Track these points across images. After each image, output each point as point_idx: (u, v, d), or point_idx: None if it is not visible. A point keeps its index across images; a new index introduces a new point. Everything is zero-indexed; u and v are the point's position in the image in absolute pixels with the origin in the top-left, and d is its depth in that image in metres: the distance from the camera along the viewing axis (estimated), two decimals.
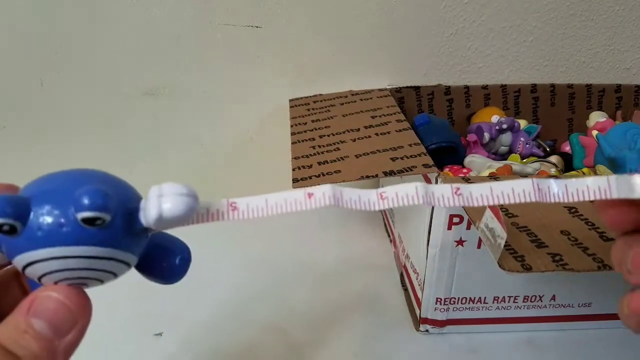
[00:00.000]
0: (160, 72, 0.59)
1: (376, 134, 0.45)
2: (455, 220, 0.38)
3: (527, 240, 0.30)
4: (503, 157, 0.54)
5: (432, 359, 0.41)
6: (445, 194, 0.21)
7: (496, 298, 0.42)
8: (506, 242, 0.27)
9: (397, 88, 0.59)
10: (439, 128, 0.54)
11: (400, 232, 0.52)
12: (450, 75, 0.62)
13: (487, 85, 0.60)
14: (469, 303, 0.42)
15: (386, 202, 0.20)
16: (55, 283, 0.19)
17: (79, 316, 0.20)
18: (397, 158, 0.40)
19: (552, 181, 0.21)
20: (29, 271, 0.19)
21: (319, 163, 0.41)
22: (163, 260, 0.22)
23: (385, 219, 0.60)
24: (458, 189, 0.21)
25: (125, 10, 0.55)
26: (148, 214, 0.19)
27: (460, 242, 0.39)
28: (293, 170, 0.41)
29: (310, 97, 0.58)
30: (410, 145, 0.42)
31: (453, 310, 0.42)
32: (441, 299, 0.41)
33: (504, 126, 0.53)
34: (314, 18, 0.57)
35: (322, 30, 0.58)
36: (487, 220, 0.29)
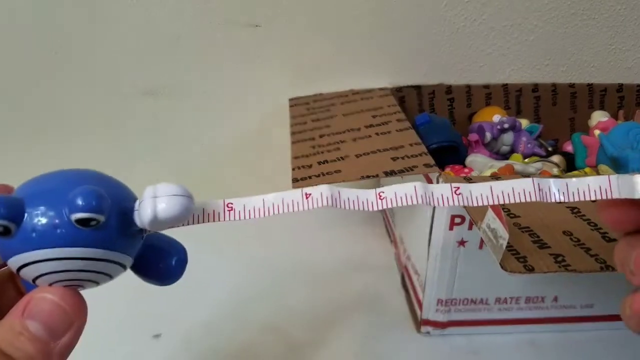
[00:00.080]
0: (160, 72, 0.58)
1: (377, 134, 0.45)
2: (457, 220, 0.37)
3: (529, 241, 0.29)
4: (505, 156, 0.54)
5: None
6: (445, 193, 0.21)
7: (498, 299, 0.41)
8: (508, 242, 0.27)
9: (397, 87, 0.59)
10: (440, 127, 0.53)
11: (401, 232, 0.51)
12: (452, 74, 0.61)
13: (488, 85, 0.60)
14: (470, 304, 0.41)
15: (385, 202, 0.20)
16: (50, 284, 0.19)
17: (75, 318, 0.19)
18: (398, 158, 0.40)
19: (552, 181, 0.21)
20: (24, 273, 0.19)
21: (319, 163, 0.41)
22: (159, 261, 0.22)
23: (386, 220, 0.60)
24: (458, 188, 0.21)
25: (124, 10, 0.55)
26: (143, 215, 0.19)
27: (461, 243, 0.38)
28: (293, 170, 0.41)
29: (311, 96, 0.58)
30: (411, 144, 0.42)
31: (454, 311, 0.42)
32: (442, 300, 0.41)
33: (506, 126, 0.52)
34: (314, 17, 0.57)
35: (323, 29, 0.58)
36: (489, 221, 0.29)
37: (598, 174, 0.47)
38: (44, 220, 0.18)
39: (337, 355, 0.41)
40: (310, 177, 0.39)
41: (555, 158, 0.52)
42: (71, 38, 0.56)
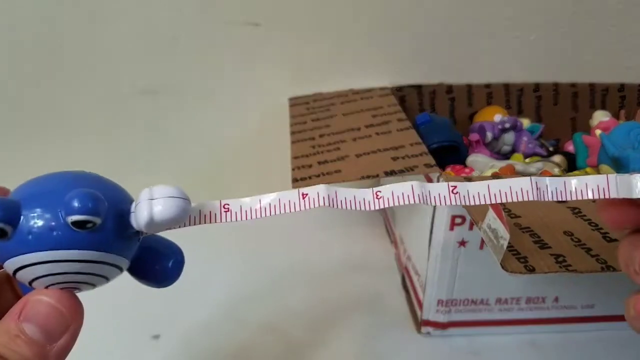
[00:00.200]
0: (160, 72, 0.58)
1: (377, 133, 0.45)
2: (458, 220, 0.37)
3: (530, 241, 0.29)
4: (506, 156, 0.53)
5: None
6: (442, 192, 0.20)
7: (498, 299, 0.41)
8: (509, 243, 0.27)
9: (398, 87, 0.59)
10: (440, 127, 0.53)
11: (402, 233, 0.51)
12: (452, 73, 0.61)
13: (489, 84, 0.60)
14: (471, 305, 0.41)
15: (382, 202, 0.20)
16: (47, 287, 0.19)
17: (71, 320, 0.19)
18: (399, 158, 0.40)
19: (550, 179, 0.21)
20: (20, 275, 0.19)
21: (319, 163, 0.41)
22: (156, 263, 0.21)
23: (386, 220, 0.60)
24: (455, 187, 0.21)
25: (123, 10, 0.55)
26: (139, 217, 0.19)
27: (462, 243, 0.38)
28: (293, 170, 0.41)
29: (310, 96, 0.58)
30: (411, 144, 0.42)
31: (455, 312, 0.42)
32: (443, 301, 0.41)
33: (507, 125, 0.52)
34: (314, 17, 0.57)
35: (323, 29, 0.58)
36: (489, 221, 0.29)
37: (599, 174, 0.47)
38: (40, 223, 0.18)
39: (337, 356, 0.41)
40: (310, 177, 0.39)
41: (557, 158, 0.52)
42: (71, 38, 0.56)
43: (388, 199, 0.20)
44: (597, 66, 0.62)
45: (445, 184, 0.21)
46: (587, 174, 0.47)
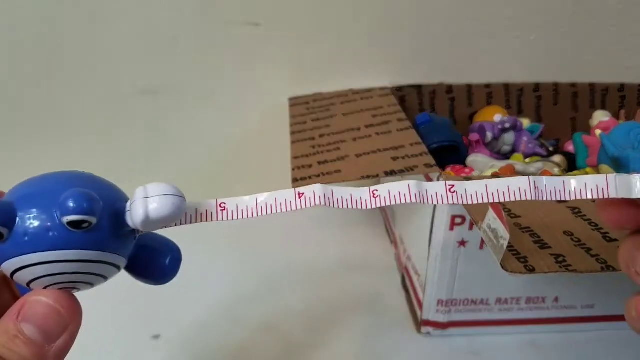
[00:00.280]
0: (160, 72, 0.58)
1: (377, 133, 0.45)
2: (458, 220, 0.37)
3: (530, 241, 0.29)
4: (506, 156, 0.53)
5: None
6: (439, 191, 0.20)
7: (498, 299, 0.41)
8: (509, 243, 0.27)
9: (398, 87, 0.59)
10: (440, 127, 0.53)
11: (402, 233, 0.51)
12: (452, 73, 0.61)
13: (489, 84, 0.60)
14: (471, 305, 0.41)
15: (379, 201, 0.20)
16: (45, 287, 0.19)
17: (70, 320, 0.19)
18: (399, 158, 0.39)
19: (549, 179, 0.20)
20: (18, 277, 0.19)
21: (319, 163, 0.41)
22: (153, 261, 0.21)
23: (386, 220, 0.60)
24: (452, 186, 0.20)
25: (123, 10, 0.55)
26: (135, 215, 0.18)
27: (462, 243, 0.38)
28: (293, 170, 0.41)
29: (310, 96, 0.58)
30: (411, 144, 0.42)
31: (455, 312, 0.42)
32: (443, 301, 0.41)
33: (507, 125, 0.52)
34: (314, 16, 0.57)
35: (323, 28, 0.58)
36: (489, 221, 0.29)
37: (599, 174, 0.47)
38: (36, 224, 0.18)
39: (336, 356, 0.41)
40: (310, 177, 0.39)
41: (557, 158, 0.52)
42: (71, 38, 0.56)
43: (385, 198, 0.20)
44: (597, 66, 0.62)
45: (443, 182, 0.21)
46: (587, 174, 0.47)
